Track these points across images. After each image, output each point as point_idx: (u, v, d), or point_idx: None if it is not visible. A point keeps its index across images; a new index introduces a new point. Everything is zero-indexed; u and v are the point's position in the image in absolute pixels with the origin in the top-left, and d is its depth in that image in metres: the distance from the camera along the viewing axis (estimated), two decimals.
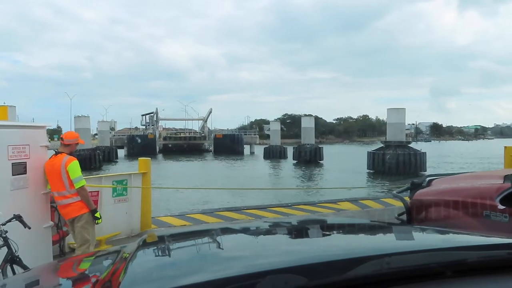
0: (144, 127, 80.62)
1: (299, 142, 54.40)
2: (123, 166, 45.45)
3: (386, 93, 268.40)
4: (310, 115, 53.05)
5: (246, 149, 69.59)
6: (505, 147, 11.16)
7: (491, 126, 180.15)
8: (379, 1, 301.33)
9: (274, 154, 56.98)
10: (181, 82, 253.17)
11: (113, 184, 6.98)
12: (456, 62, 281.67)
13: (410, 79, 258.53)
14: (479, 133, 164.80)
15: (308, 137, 50.66)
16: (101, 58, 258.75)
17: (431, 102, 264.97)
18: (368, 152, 36.90)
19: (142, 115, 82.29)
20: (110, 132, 74.56)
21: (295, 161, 48.86)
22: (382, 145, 38.51)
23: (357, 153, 66.90)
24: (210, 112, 78.72)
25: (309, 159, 47.27)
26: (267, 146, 61.19)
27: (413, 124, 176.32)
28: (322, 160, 48.60)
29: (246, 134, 76.25)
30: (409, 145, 37.52)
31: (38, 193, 4.95)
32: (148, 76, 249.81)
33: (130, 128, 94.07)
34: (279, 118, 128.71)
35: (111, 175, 7.60)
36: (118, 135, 77.16)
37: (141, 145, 63.04)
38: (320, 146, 51.60)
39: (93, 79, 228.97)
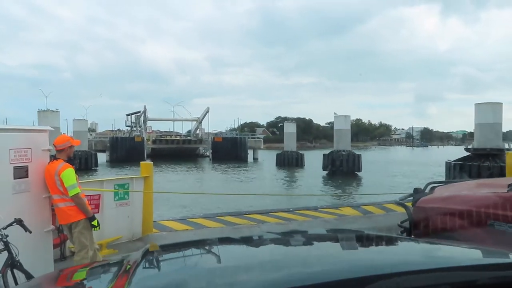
0: (129, 128, 69.39)
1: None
2: (103, 177, 34.78)
3: (369, 98, 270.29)
4: (345, 115, 41.31)
5: (249, 154, 61.62)
6: (507, 153, 11.11)
7: (471, 132, 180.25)
8: (361, 6, 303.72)
9: (289, 162, 48.09)
10: (163, 85, 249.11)
11: (114, 188, 6.98)
12: (438, 68, 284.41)
13: (392, 85, 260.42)
14: (467, 138, 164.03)
15: (343, 142, 39.17)
16: (79, 59, 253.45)
17: (412, 107, 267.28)
18: (448, 162, 26.17)
19: (127, 115, 70.95)
20: (91, 134, 67.52)
21: (325, 172, 38.01)
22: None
23: (385, 159, 58.33)
24: (207, 111, 67.28)
25: (346, 170, 36.85)
26: (280, 151, 52.01)
27: (403, 129, 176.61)
28: (361, 171, 37.95)
29: (249, 137, 67.15)
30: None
31: (39, 197, 4.93)
32: (129, 77, 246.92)
33: (112, 130, 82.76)
34: (272, 121, 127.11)
35: (113, 178, 7.59)
36: (99, 137, 68.19)
37: (126, 149, 54.80)
38: (358, 153, 39.87)
39: (71, 80, 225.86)
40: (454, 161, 26.27)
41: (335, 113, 43.94)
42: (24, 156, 4.72)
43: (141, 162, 7.93)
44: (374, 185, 29.49)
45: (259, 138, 73.32)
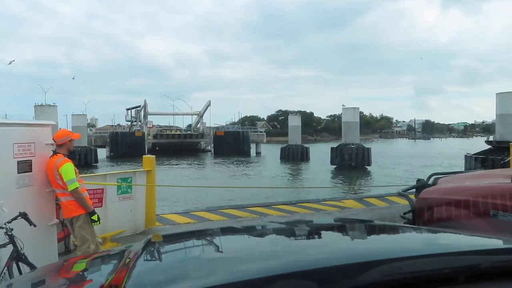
0: (129, 123, 68.03)
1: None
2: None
3: (369, 91, 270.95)
4: (354, 107, 39.55)
5: (251, 149, 59.89)
6: (511, 145, 11.09)
7: (472, 124, 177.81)
8: None
9: (294, 156, 46.51)
10: (162, 79, 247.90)
11: (117, 182, 7.00)
12: (439, 61, 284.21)
13: (392, 78, 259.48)
14: (468, 130, 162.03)
15: (351, 135, 37.43)
16: (78, 55, 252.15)
17: (412, 100, 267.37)
18: (468, 156, 24.33)
19: (127, 109, 69.71)
20: (90, 130, 66.63)
21: (333, 166, 36.42)
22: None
23: (392, 153, 55.26)
24: (208, 105, 65.50)
25: (355, 164, 35.29)
26: (284, 145, 50.43)
27: (404, 121, 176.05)
28: (370, 165, 36.18)
29: (251, 131, 65.19)
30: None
31: (43, 191, 4.95)
32: (128, 73, 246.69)
33: (112, 125, 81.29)
34: (272, 115, 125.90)
35: (115, 172, 7.62)
36: (99, 133, 66.61)
37: (127, 144, 53.74)
38: (367, 146, 38.63)
39: (71, 76, 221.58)
40: (474, 154, 24.42)
41: (343, 105, 42.22)
42: (28, 150, 4.74)
43: (143, 156, 7.94)
44: (387, 180, 27.60)
45: (261, 131, 71.15)
